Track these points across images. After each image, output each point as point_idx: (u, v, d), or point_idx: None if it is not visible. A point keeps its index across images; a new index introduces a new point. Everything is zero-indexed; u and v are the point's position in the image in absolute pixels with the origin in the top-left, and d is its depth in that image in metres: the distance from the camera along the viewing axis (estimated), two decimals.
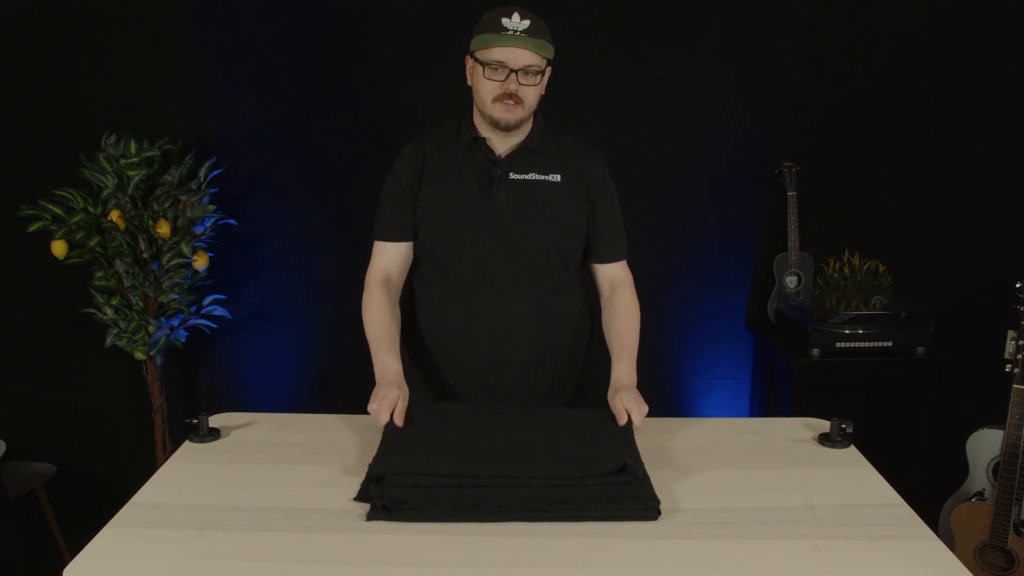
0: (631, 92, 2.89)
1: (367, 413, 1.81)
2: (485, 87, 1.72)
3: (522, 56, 1.69)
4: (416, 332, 1.90)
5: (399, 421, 1.60)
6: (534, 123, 1.82)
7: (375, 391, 1.68)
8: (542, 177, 1.81)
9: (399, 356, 1.78)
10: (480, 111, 1.78)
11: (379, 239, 1.88)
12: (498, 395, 1.85)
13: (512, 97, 1.71)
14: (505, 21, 1.68)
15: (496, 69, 1.70)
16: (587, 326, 1.96)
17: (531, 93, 1.73)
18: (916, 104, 2.93)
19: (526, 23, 1.69)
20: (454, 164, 1.82)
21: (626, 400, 1.66)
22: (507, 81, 1.70)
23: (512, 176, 1.80)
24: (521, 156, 1.81)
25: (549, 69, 1.77)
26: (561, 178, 1.82)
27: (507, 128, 1.76)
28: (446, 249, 1.83)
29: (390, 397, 1.63)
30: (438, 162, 1.83)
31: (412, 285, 1.93)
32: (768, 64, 2.89)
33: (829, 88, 2.92)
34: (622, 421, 1.64)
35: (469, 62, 1.77)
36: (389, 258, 1.87)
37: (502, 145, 1.81)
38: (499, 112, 1.73)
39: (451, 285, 1.85)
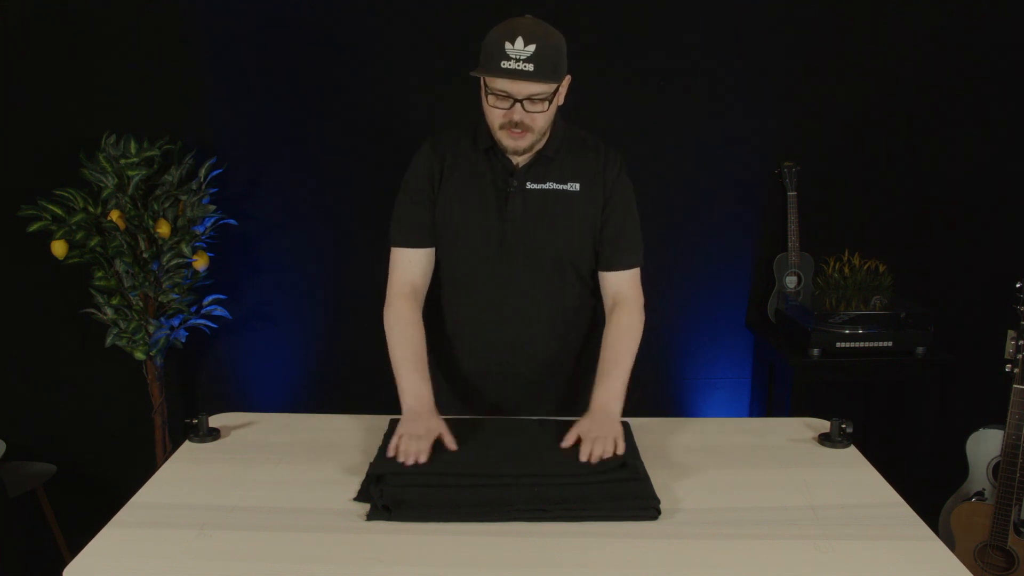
0: (631, 93, 2.89)
1: (367, 413, 1.80)
2: (491, 113, 1.63)
3: (525, 87, 1.57)
4: (429, 338, 1.83)
5: (423, 458, 1.48)
6: (552, 129, 1.73)
7: (405, 422, 1.58)
8: (560, 187, 1.73)
9: (430, 381, 1.69)
10: (491, 133, 1.69)
11: (400, 245, 1.77)
12: (510, 403, 1.83)
13: (519, 125, 1.61)
14: (508, 47, 1.55)
15: (500, 97, 1.60)
16: (598, 335, 1.87)
17: (540, 119, 1.63)
18: (916, 104, 2.92)
19: (531, 48, 1.54)
20: (471, 171, 1.74)
21: (583, 428, 1.55)
22: (512, 110, 1.60)
23: (529, 186, 1.72)
24: (538, 165, 1.73)
25: (567, 79, 1.66)
26: (580, 187, 1.74)
27: (517, 155, 1.69)
28: (461, 259, 1.78)
29: (421, 433, 1.53)
30: (455, 167, 1.75)
31: (430, 290, 1.86)
32: (768, 64, 2.89)
33: (829, 88, 2.91)
34: (565, 444, 1.53)
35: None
36: (414, 265, 1.77)
37: (518, 153, 1.72)
38: (506, 140, 1.65)
39: (465, 294, 1.81)
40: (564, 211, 1.74)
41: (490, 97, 1.61)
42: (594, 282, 1.84)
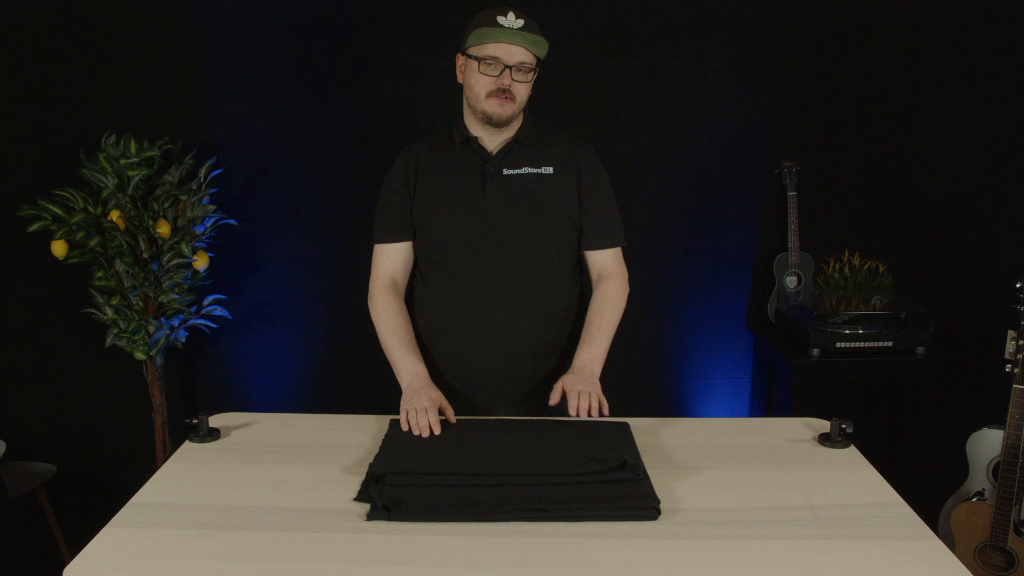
0: (630, 92, 2.89)
1: (367, 413, 1.80)
2: (479, 82, 1.77)
3: (516, 52, 1.75)
4: (414, 328, 1.90)
5: (437, 429, 1.60)
6: (524, 119, 1.87)
7: (407, 398, 1.70)
8: (535, 171, 1.84)
9: (422, 358, 1.81)
10: (472, 107, 1.82)
11: (380, 242, 1.90)
12: (495, 387, 1.87)
13: (505, 92, 1.76)
14: (500, 19, 1.74)
15: (491, 64, 1.75)
16: (579, 315, 1.95)
17: (523, 89, 1.79)
18: (916, 104, 2.92)
19: (521, 21, 1.75)
20: (447, 165, 1.86)
21: (567, 382, 1.69)
22: (501, 76, 1.75)
23: (505, 172, 1.83)
24: (513, 151, 1.85)
25: (536, 70, 1.82)
26: (554, 170, 1.85)
27: (499, 124, 1.80)
28: (443, 247, 1.85)
29: (426, 404, 1.65)
30: (431, 164, 1.87)
31: (411, 283, 1.95)
32: (768, 63, 2.89)
33: (829, 88, 2.91)
34: (552, 401, 1.69)
35: (460, 59, 1.83)
36: (392, 260, 1.90)
37: (493, 142, 1.85)
38: (492, 107, 1.77)
39: (448, 281, 1.86)
40: (541, 193, 1.84)
41: (480, 65, 1.76)
42: (577, 266, 1.94)
